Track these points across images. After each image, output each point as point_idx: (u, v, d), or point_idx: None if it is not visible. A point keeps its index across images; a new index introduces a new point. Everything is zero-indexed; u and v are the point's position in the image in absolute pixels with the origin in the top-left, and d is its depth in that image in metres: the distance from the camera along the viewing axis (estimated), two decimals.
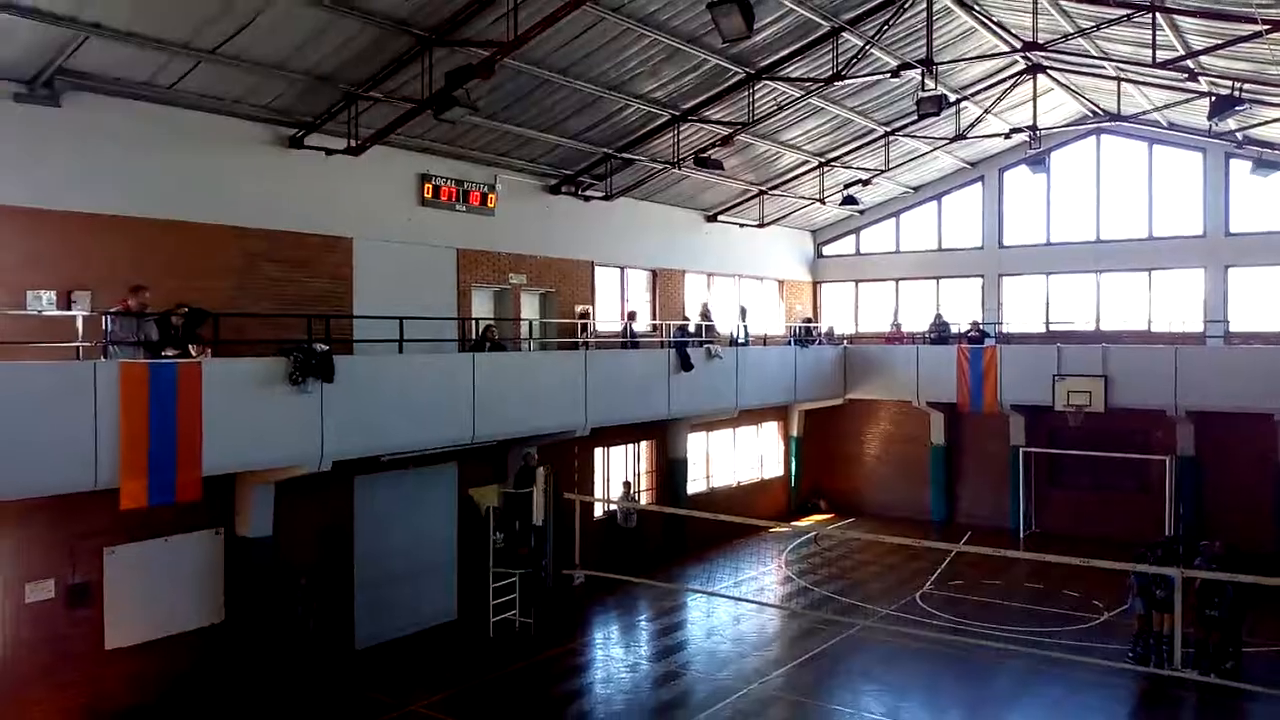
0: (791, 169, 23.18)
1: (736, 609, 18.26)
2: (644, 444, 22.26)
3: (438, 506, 17.05)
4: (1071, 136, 24.82)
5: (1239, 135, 21.10)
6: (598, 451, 20.72)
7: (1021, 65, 20.03)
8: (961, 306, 26.43)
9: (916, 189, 26.96)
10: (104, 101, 12.74)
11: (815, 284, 29.02)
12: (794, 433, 26.99)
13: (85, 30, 11.23)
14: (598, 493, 20.61)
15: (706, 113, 18.38)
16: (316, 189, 15.39)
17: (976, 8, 16.91)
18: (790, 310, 27.66)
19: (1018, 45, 17.76)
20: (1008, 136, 22.36)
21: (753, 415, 24.47)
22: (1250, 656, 14.71)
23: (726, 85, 17.63)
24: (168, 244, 13.43)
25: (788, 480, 27.08)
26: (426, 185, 17.15)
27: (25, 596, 11.93)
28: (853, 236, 28.55)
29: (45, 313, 12.04)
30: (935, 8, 15.84)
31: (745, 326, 23.51)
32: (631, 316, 21.14)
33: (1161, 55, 15.00)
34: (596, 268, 21.25)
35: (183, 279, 13.31)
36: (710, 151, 19.29)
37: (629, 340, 20.38)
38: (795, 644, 16.37)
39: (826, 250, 28.95)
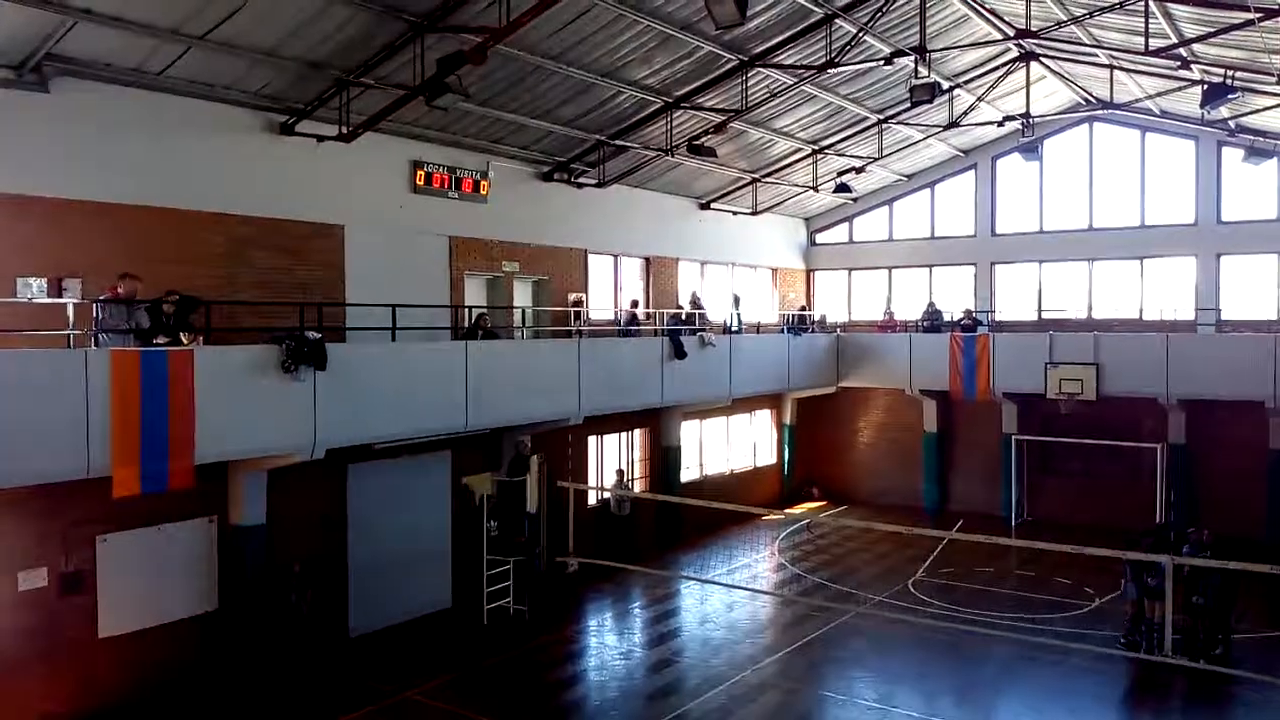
0: (784, 157, 23.16)
1: (730, 596, 18.33)
2: (638, 432, 22.28)
3: (431, 495, 17.04)
4: (1064, 124, 24.84)
5: (1231, 123, 21.13)
6: (591, 439, 20.73)
7: (1014, 53, 20.01)
8: (954, 295, 26.40)
9: (909, 177, 26.95)
10: (93, 87, 12.63)
11: (808, 272, 29.00)
12: (787, 421, 27.06)
13: (74, 15, 11.14)
14: (591, 480, 20.62)
15: (699, 100, 18.33)
16: (308, 176, 15.32)
17: None
18: (784, 298, 27.67)
19: (1010, 33, 17.73)
20: (1000, 124, 22.36)
21: (746, 403, 24.45)
22: (1239, 643, 14.80)
23: (719, 72, 17.59)
24: (158, 231, 13.36)
25: (781, 468, 27.15)
26: (419, 172, 17.07)
27: (18, 584, 11.89)
28: (846, 224, 28.54)
29: (36, 300, 11.99)
30: None
31: (738, 315, 23.51)
32: (634, 304, 21.12)
33: (1154, 43, 15.00)
34: (590, 255, 21.21)
35: (173, 266, 13.25)
36: (703, 139, 19.22)
37: (630, 329, 20.35)
38: (788, 631, 16.44)
39: (820, 238, 28.94)
